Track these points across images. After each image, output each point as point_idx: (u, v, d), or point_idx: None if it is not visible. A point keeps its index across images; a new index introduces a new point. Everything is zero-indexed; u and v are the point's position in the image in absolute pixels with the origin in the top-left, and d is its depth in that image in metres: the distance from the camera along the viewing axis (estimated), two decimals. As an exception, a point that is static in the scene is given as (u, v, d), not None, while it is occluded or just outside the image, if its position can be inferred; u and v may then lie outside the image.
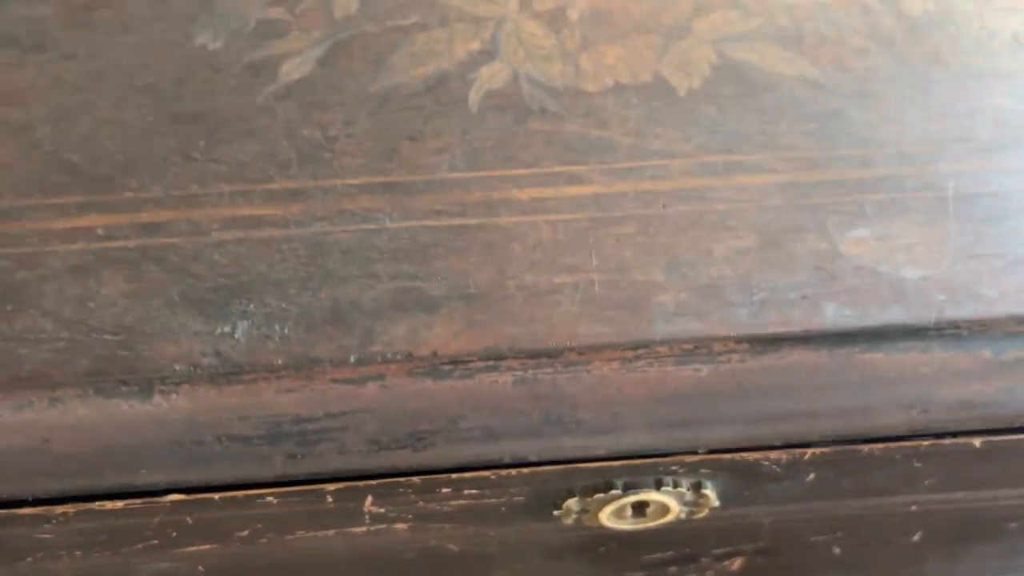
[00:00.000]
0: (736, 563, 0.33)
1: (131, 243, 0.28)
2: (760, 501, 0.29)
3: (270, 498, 0.27)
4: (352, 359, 0.25)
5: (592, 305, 0.26)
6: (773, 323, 0.26)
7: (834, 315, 0.26)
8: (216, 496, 0.26)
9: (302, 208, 0.29)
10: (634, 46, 0.34)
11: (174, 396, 0.25)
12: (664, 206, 0.28)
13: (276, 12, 0.36)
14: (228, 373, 0.25)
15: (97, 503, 0.26)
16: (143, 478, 0.25)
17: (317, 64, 0.33)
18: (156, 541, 0.29)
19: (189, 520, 0.27)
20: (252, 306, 0.26)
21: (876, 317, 0.26)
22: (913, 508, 0.31)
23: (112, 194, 0.29)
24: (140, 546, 0.29)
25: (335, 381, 0.25)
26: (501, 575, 0.33)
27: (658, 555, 0.32)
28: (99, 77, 0.33)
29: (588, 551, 0.32)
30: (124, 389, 0.25)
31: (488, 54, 0.34)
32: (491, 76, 0.33)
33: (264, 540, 0.29)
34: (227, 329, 0.26)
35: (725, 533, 0.32)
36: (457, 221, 0.28)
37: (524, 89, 0.32)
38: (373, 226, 0.28)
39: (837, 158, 0.30)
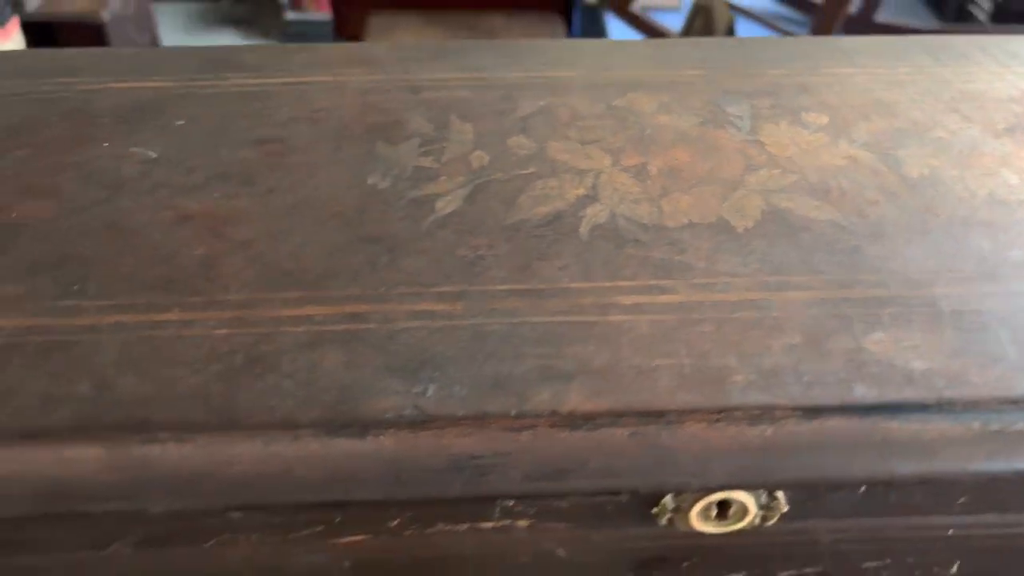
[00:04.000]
0: (796, 592, 0.41)
1: (340, 327, 0.38)
2: (820, 514, 0.37)
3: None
4: (512, 413, 0.34)
5: (684, 379, 0.36)
6: (818, 397, 0.35)
7: (861, 393, 0.35)
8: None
9: (464, 306, 0.39)
10: (701, 195, 0.45)
11: (382, 437, 0.34)
12: (733, 313, 0.38)
13: (426, 162, 0.47)
14: (423, 421, 0.34)
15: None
16: (359, 495, 0.34)
17: (464, 202, 0.44)
18: (320, 527, 0.37)
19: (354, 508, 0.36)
20: (437, 374, 0.36)
21: (892, 395, 0.35)
22: (950, 532, 0.39)
23: (321, 290, 0.39)
24: (305, 532, 0.37)
25: (500, 429, 0.34)
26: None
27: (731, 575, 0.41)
28: (297, 207, 0.44)
29: (673, 566, 0.40)
30: (346, 431, 0.34)
31: (591, 198, 0.45)
32: (595, 215, 0.44)
33: (409, 532, 0.37)
34: (420, 390, 0.35)
35: (790, 552, 0.40)
36: (578, 318, 0.38)
37: (620, 225, 0.43)
38: (518, 320, 0.38)
39: (858, 282, 0.40)
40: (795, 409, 0.35)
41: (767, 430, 0.35)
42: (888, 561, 0.41)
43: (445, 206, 0.44)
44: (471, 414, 0.34)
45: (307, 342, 0.37)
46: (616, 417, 0.35)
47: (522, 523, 0.38)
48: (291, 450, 0.34)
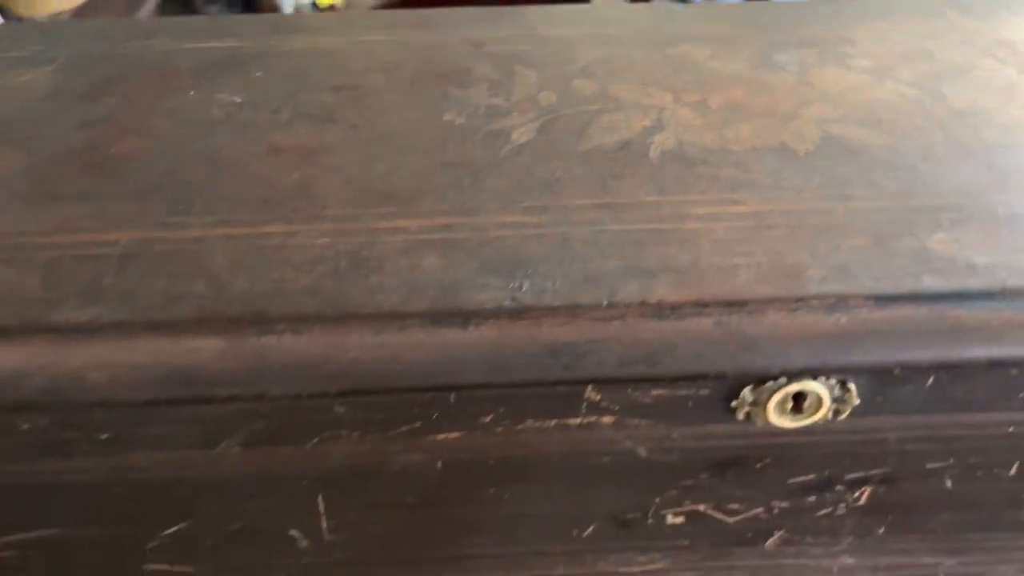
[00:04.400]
0: (864, 494, 0.43)
1: (435, 236, 0.40)
2: (889, 410, 0.40)
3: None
4: (604, 303, 0.37)
5: (763, 275, 0.38)
6: (888, 287, 0.37)
7: (929, 283, 0.38)
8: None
9: (548, 218, 0.41)
10: (761, 125, 0.48)
11: (483, 327, 0.36)
12: (803, 220, 0.41)
13: (496, 101, 0.50)
14: (521, 311, 0.37)
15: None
16: (461, 380, 0.36)
17: (536, 133, 0.47)
18: (418, 423, 0.39)
19: (452, 399, 0.38)
20: (530, 271, 0.38)
21: (959, 284, 0.38)
22: (1011, 429, 0.41)
23: (413, 207, 0.42)
24: (404, 429, 0.39)
25: (593, 319, 0.37)
26: (672, 493, 0.43)
27: (801, 479, 0.43)
28: (381, 139, 0.47)
29: (748, 467, 0.42)
30: (449, 321, 0.36)
31: (657, 128, 0.47)
32: (663, 142, 0.46)
33: (499, 428, 0.39)
34: (516, 284, 0.37)
35: (858, 452, 0.42)
36: (657, 226, 0.41)
37: (688, 150, 0.46)
38: (600, 228, 0.40)
39: (917, 193, 0.43)
40: (868, 298, 0.37)
41: (842, 318, 0.37)
42: (951, 461, 0.43)
43: (519, 136, 0.47)
44: (565, 305, 0.37)
45: (405, 248, 0.39)
46: (701, 307, 0.37)
47: (607, 419, 0.40)
48: (399, 339, 0.36)
